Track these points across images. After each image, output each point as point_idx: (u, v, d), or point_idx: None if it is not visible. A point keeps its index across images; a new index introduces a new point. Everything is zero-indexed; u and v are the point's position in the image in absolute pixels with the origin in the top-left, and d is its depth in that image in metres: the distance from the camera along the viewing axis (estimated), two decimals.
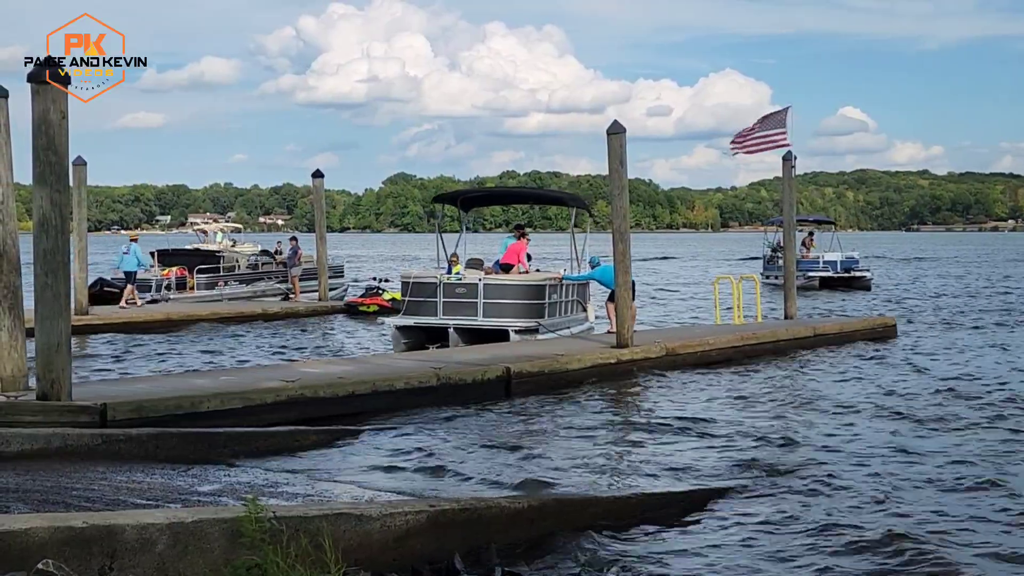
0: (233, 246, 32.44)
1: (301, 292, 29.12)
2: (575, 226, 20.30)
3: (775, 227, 40.24)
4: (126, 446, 9.09)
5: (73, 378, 10.47)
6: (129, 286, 24.86)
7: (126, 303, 24.39)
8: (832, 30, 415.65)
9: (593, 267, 18.08)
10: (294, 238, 30.32)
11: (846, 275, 38.29)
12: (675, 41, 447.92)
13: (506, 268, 18.53)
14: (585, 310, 19.06)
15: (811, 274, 37.86)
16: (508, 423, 11.72)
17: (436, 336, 17.90)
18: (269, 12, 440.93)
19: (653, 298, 35.14)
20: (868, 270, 40.64)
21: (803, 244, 38.72)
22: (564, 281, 18.22)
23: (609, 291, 17.45)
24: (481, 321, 17.39)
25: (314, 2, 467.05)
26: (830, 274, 38.12)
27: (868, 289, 37.74)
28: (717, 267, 61.54)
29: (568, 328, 18.18)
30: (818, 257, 39.01)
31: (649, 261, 69.26)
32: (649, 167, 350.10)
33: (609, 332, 17.20)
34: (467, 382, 13.17)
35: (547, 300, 17.65)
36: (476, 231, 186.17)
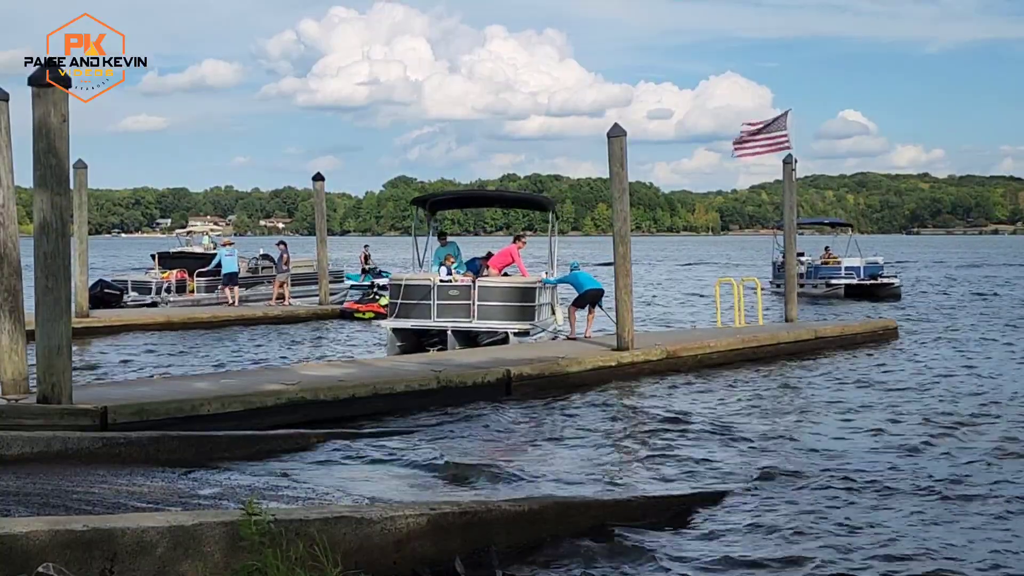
0: (214, 248, 32.38)
1: (299, 296, 29.07)
2: (550, 229, 20.28)
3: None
4: (127, 449, 9.09)
5: (74, 381, 10.46)
6: (235, 288, 27.53)
7: (231, 303, 27.15)
8: (833, 33, 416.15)
9: (572, 270, 18.19)
10: (282, 242, 30.29)
11: (872, 282, 34.92)
12: (676, 44, 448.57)
13: (474, 268, 18.63)
14: (554, 313, 19.11)
15: (834, 281, 35.02)
16: (508, 426, 11.71)
17: (430, 338, 18.02)
18: (270, 15, 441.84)
19: (653, 298, 35.16)
20: (896, 277, 37.30)
21: (824, 256, 36.87)
22: (545, 284, 18.29)
23: (576, 296, 17.74)
24: (476, 323, 17.43)
25: (315, 5, 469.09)
26: (854, 281, 34.77)
27: (898, 298, 34.40)
28: (745, 272, 61.49)
29: (543, 330, 18.27)
30: (838, 263, 35.91)
31: (688, 266, 69.50)
32: (650, 170, 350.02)
33: (569, 337, 17.61)
34: (467, 384, 13.17)
35: (537, 302, 17.74)
36: (476, 234, 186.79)
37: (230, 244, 28.90)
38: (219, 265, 28.03)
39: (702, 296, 37.84)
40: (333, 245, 34.63)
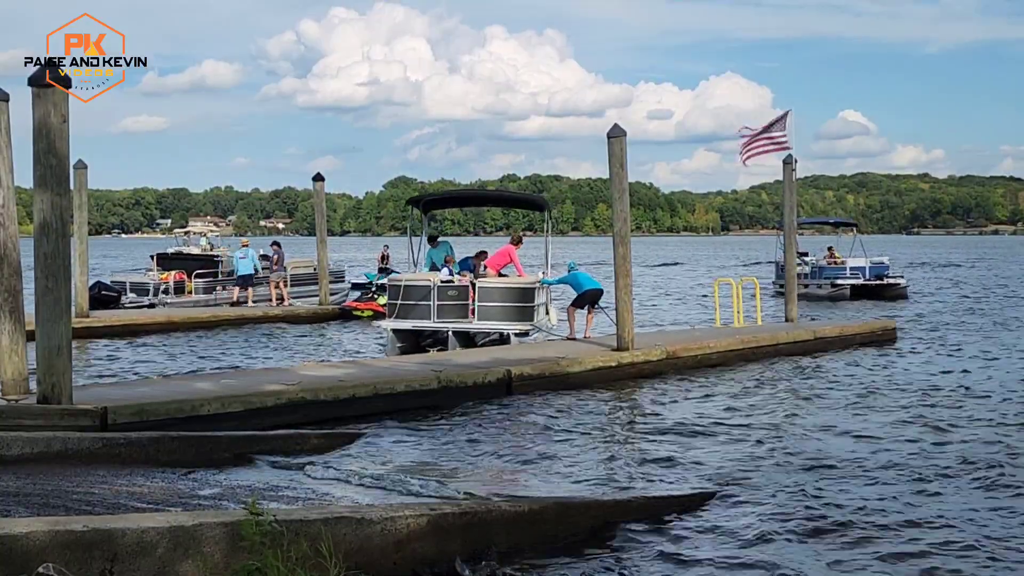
0: (212, 249, 32.44)
1: (299, 297, 29.10)
2: (546, 229, 20.30)
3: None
4: (127, 449, 9.09)
5: (74, 381, 10.46)
6: (249, 288, 27.68)
7: (239, 302, 27.30)
8: (834, 34, 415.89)
9: (570, 271, 18.20)
10: (275, 243, 30.36)
11: (878, 283, 34.54)
12: (676, 44, 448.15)
13: (467, 267, 18.63)
14: (548, 313, 19.13)
15: (839, 282, 34.58)
16: (509, 426, 11.71)
17: (430, 338, 18.05)
18: (270, 16, 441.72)
19: (653, 304, 35.14)
20: (902, 277, 36.79)
21: (827, 256, 36.42)
22: (543, 285, 18.30)
23: (575, 296, 17.77)
24: (476, 324, 17.45)
25: (315, 6, 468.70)
26: (860, 282, 34.33)
27: (905, 298, 33.93)
28: (725, 272, 61.45)
29: (539, 331, 18.32)
30: (843, 263, 35.52)
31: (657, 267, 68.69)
32: (650, 170, 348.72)
33: (569, 338, 17.57)
34: (468, 385, 13.17)
35: (536, 303, 17.77)
36: (476, 234, 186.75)
37: (246, 245, 29.06)
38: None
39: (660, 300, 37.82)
40: (340, 246, 34.70)
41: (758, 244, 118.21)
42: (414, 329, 17.80)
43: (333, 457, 9.75)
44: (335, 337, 22.60)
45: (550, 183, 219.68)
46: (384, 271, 31.45)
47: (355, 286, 30.43)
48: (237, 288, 27.88)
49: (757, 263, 71.40)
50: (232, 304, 27.43)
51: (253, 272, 28.03)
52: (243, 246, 29.13)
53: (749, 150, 22.30)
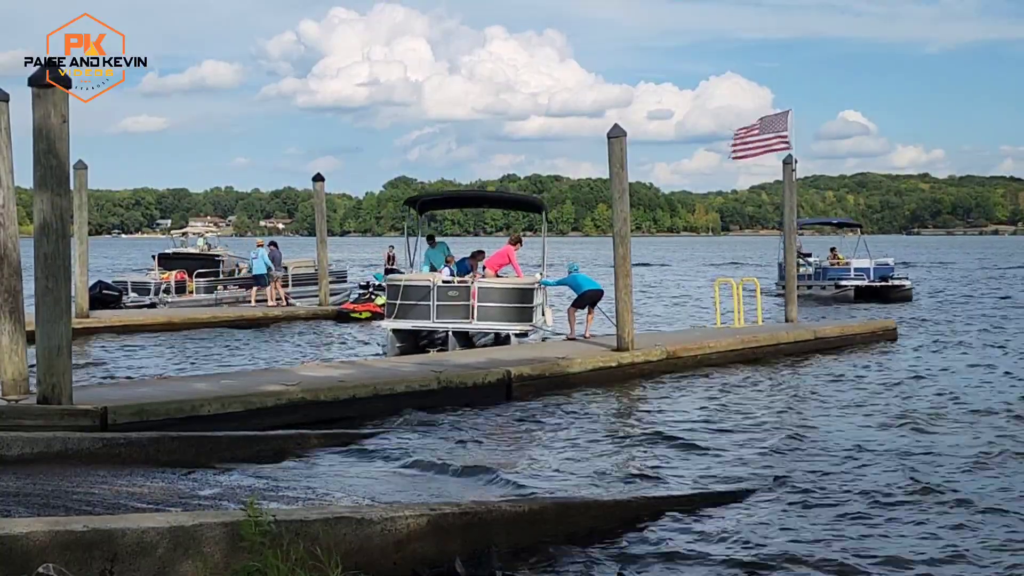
0: (209, 250, 32.47)
1: (298, 298, 29.13)
2: (543, 230, 20.32)
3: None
4: (127, 450, 9.09)
5: (74, 382, 10.46)
6: (255, 287, 28.32)
7: (256, 302, 27.93)
8: (834, 34, 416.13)
9: (571, 272, 18.20)
10: (272, 243, 30.39)
11: (882, 284, 33.98)
12: (676, 44, 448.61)
13: (464, 268, 18.66)
14: (544, 314, 19.14)
15: (843, 283, 34.33)
16: (509, 426, 11.72)
17: (426, 339, 18.06)
18: (270, 16, 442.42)
19: (650, 298, 35.13)
20: (907, 278, 36.40)
21: (831, 257, 36.14)
22: (543, 286, 18.31)
23: (575, 297, 17.81)
24: (475, 324, 17.46)
25: (315, 6, 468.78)
26: (865, 283, 33.88)
27: (909, 300, 33.46)
28: (711, 273, 61.45)
29: (537, 331, 18.35)
30: (847, 264, 35.22)
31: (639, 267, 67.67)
32: (650, 170, 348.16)
33: (569, 338, 17.58)
34: (467, 385, 13.17)
35: (535, 303, 17.79)
36: (476, 234, 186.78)
37: (260, 246, 29.26)
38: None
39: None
40: (340, 246, 34.62)
41: (759, 244, 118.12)
42: (413, 329, 17.81)
43: (333, 457, 9.76)
44: (335, 337, 22.60)
45: (550, 183, 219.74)
46: (391, 272, 31.52)
47: (362, 287, 30.53)
48: (255, 289, 28.34)
49: (737, 263, 71.20)
50: (255, 303, 27.94)
51: (265, 272, 28.15)
52: (258, 246, 29.30)
53: (744, 147, 22.28)
